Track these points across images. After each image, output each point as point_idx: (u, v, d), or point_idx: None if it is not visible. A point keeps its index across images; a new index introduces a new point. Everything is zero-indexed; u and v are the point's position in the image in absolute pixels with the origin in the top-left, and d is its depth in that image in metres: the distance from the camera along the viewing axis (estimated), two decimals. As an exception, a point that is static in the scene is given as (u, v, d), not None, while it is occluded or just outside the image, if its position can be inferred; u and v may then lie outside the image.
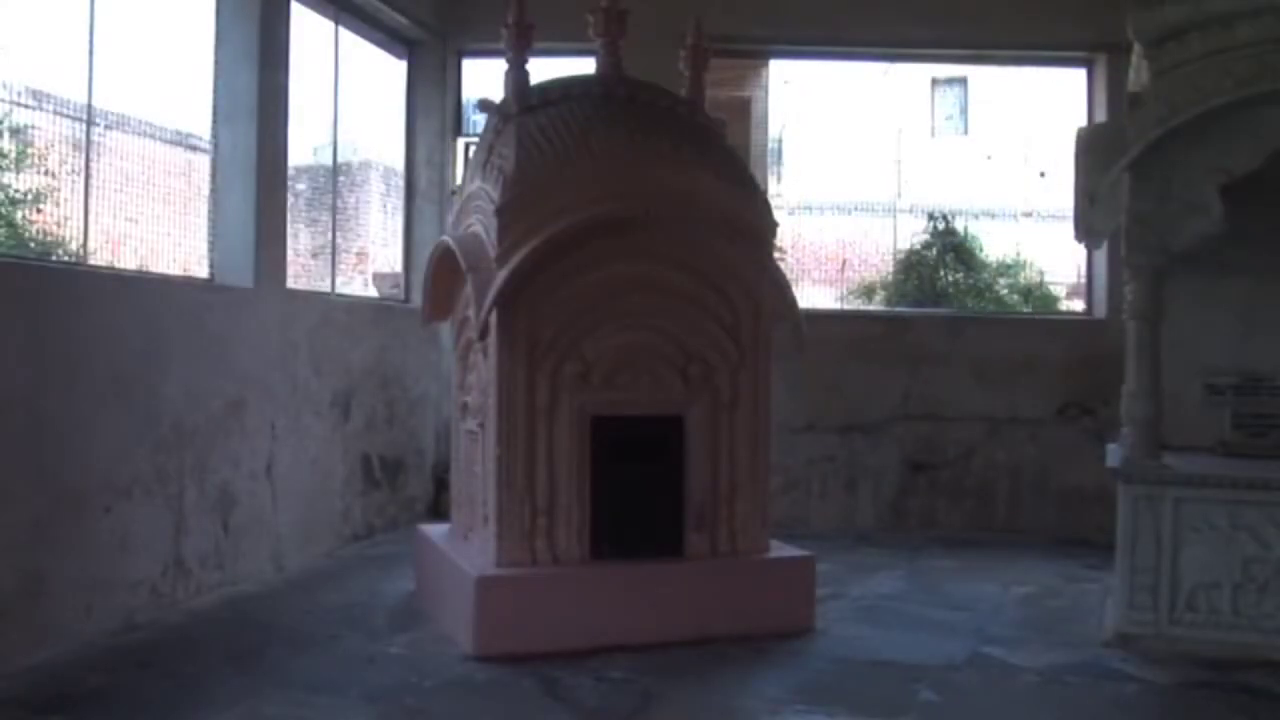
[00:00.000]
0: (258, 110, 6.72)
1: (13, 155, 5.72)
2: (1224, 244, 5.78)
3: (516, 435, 5.46)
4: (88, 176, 5.81)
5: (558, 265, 5.48)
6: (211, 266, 6.72)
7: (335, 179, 8.40)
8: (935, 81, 17.75)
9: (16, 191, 5.78)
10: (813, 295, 9.93)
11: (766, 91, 9.59)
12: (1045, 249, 10.71)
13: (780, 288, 5.89)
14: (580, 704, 4.65)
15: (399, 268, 9.27)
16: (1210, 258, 6.32)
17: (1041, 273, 10.84)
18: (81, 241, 5.78)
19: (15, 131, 5.64)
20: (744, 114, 9.32)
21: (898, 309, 9.91)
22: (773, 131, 10.22)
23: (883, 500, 8.96)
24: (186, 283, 6.47)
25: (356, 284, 8.99)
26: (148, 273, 6.26)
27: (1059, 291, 10.89)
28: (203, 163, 6.74)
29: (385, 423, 8.39)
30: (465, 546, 5.92)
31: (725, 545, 5.76)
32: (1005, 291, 10.86)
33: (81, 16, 5.67)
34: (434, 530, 6.52)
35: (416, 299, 7.99)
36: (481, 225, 5.70)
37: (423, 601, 6.22)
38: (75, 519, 5.31)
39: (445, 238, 6.13)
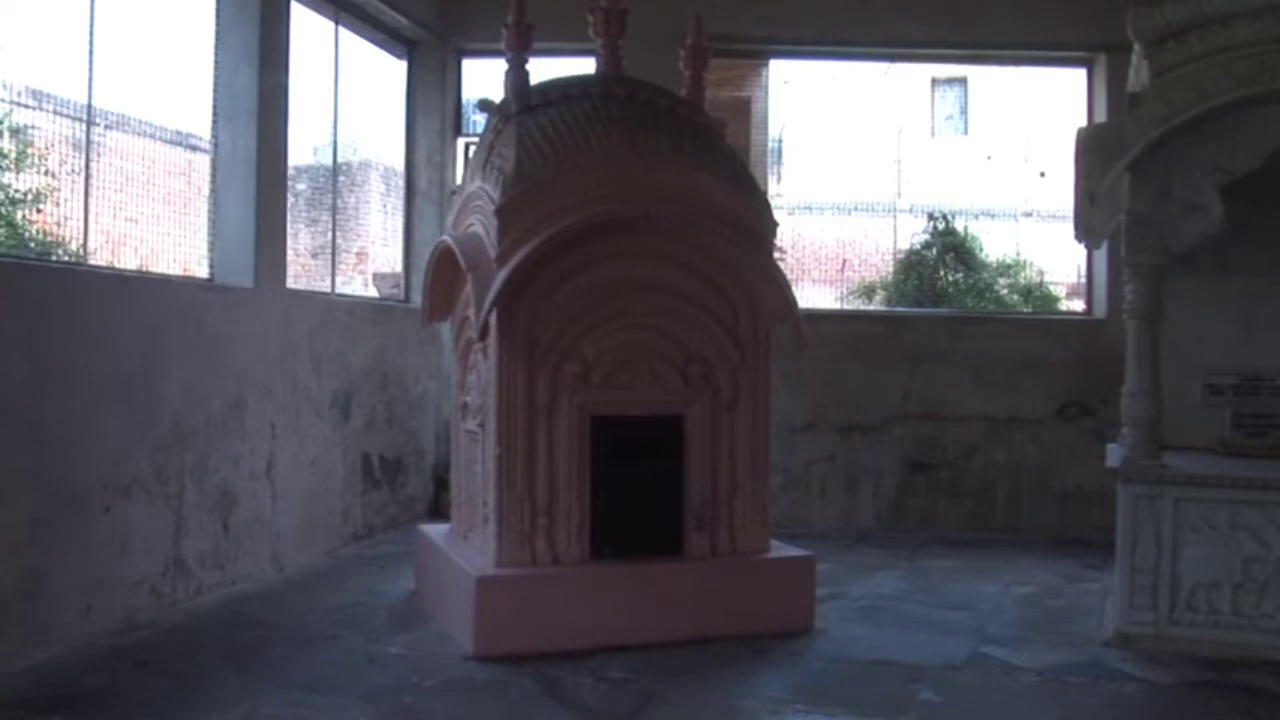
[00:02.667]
0: (258, 110, 6.72)
1: (13, 155, 5.71)
2: (1224, 244, 5.79)
3: (516, 435, 5.46)
4: (88, 176, 5.81)
5: (558, 265, 5.49)
6: (211, 266, 6.73)
7: (335, 179, 8.40)
8: (935, 81, 17.74)
9: (16, 191, 5.78)
10: (813, 295, 9.92)
11: (766, 91, 9.59)
12: (1045, 249, 10.70)
13: (780, 287, 5.89)
14: (580, 704, 4.64)
15: (399, 268, 9.27)
16: (1210, 258, 6.34)
17: (1041, 273, 10.83)
18: (81, 241, 5.78)
19: (15, 131, 5.64)
20: (744, 114, 9.32)
21: (898, 309, 9.91)
22: (773, 131, 10.20)
23: (883, 500, 8.97)
24: (186, 283, 6.47)
25: (356, 284, 8.98)
26: (148, 273, 6.26)
27: (1059, 291, 10.88)
28: (203, 163, 6.74)
29: (385, 423, 8.39)
30: (465, 546, 5.92)
31: (725, 545, 5.76)
32: (1005, 291, 10.85)
33: (81, 16, 5.68)
34: (434, 530, 6.51)
35: (416, 299, 7.99)
36: (481, 225, 5.70)
37: (423, 601, 6.22)
38: (75, 519, 5.31)
39: (445, 238, 6.13)
